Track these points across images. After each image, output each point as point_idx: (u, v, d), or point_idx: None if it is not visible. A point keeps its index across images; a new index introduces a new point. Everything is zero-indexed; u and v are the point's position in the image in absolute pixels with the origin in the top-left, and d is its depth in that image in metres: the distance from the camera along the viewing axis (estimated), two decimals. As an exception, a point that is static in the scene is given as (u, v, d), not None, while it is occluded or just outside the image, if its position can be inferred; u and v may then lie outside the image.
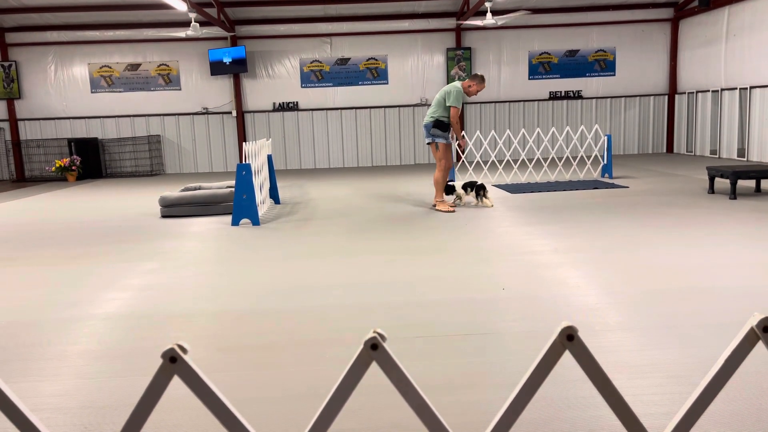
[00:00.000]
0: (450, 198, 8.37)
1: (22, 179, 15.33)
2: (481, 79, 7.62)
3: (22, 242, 6.76)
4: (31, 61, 15.17)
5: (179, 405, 2.67)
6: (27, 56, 15.15)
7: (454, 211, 7.68)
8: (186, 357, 1.21)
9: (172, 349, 1.21)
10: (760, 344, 1.27)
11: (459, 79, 15.15)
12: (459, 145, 7.96)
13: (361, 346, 1.24)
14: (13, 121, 15.31)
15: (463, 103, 8.09)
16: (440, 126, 7.67)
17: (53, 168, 14.29)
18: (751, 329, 1.22)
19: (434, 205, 7.99)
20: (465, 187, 8.06)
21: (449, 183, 8.06)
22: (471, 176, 10.97)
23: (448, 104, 7.58)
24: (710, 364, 2.89)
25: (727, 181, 9.32)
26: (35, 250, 6.27)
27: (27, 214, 8.99)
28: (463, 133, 7.66)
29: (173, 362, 1.21)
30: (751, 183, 9.14)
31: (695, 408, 1.26)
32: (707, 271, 4.52)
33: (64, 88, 15.31)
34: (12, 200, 10.84)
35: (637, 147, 15.90)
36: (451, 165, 7.97)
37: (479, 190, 8.03)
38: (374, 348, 1.23)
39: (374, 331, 1.24)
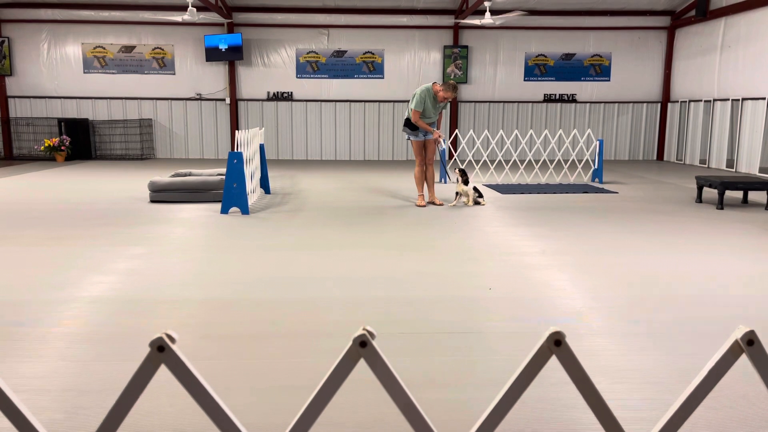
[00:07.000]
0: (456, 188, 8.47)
1: (10, 157, 15.17)
2: (449, 88, 7.62)
3: (8, 222, 6.69)
4: (23, 38, 14.99)
5: (163, 392, 2.66)
6: (19, 33, 14.96)
7: (424, 206, 7.96)
8: (174, 347, 1.21)
9: (160, 338, 1.21)
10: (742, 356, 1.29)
11: (454, 77, 15.17)
12: (436, 141, 8.03)
13: (350, 343, 1.24)
14: (3, 98, 15.13)
15: (455, 101, 8.12)
16: (408, 125, 7.91)
17: (42, 147, 14.15)
18: (736, 342, 1.23)
19: (432, 202, 8.23)
20: (476, 189, 8.17)
21: (463, 169, 8.25)
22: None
23: (410, 107, 7.79)
24: (691, 372, 2.92)
25: (715, 191, 9.41)
26: (21, 230, 6.22)
27: (14, 194, 8.90)
28: (434, 130, 7.79)
29: (161, 351, 1.21)
30: (739, 194, 9.24)
31: (677, 417, 1.28)
32: (692, 279, 4.56)
33: (56, 67, 15.14)
34: (-1, 178, 10.73)
35: (628, 153, 15.99)
36: (430, 161, 8.09)
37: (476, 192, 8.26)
38: (363, 345, 1.24)
39: (364, 329, 1.25)
